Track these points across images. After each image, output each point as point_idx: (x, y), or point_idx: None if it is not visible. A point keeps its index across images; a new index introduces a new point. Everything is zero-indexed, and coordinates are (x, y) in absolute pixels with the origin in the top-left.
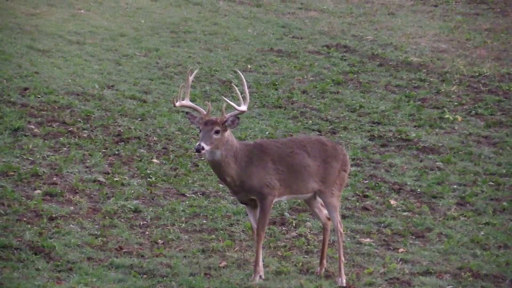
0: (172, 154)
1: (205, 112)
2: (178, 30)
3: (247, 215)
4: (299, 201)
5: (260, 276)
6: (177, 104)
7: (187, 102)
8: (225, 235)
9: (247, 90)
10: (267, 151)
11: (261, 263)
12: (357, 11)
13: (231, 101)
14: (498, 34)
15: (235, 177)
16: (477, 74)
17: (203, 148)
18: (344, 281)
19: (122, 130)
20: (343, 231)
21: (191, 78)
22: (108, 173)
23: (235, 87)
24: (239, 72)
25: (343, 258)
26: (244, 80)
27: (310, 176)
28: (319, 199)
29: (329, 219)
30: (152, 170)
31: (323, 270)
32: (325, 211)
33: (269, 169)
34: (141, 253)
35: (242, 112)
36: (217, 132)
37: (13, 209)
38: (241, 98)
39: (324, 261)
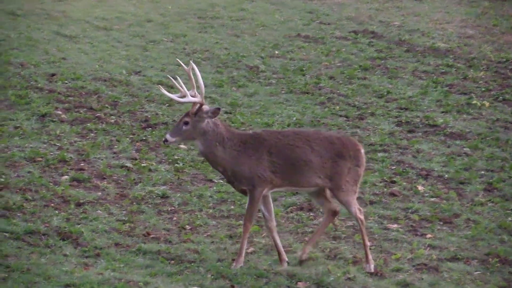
0: None
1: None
2: (205, 15)
3: (275, 200)
4: None
5: (288, 262)
6: (184, 100)
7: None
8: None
9: (201, 81)
10: (264, 142)
11: (243, 254)
12: None
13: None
14: None
15: (226, 166)
16: (504, 59)
17: (166, 140)
18: (372, 266)
19: (149, 116)
20: (371, 216)
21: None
22: (136, 159)
23: (178, 78)
24: (192, 64)
25: (368, 243)
26: (198, 71)
27: (313, 172)
28: (324, 195)
29: (334, 213)
30: (179, 156)
31: (304, 256)
32: (330, 205)
33: (263, 161)
34: (169, 239)
35: (182, 102)
36: (185, 123)
37: (40, 195)
38: (185, 90)
39: (307, 248)
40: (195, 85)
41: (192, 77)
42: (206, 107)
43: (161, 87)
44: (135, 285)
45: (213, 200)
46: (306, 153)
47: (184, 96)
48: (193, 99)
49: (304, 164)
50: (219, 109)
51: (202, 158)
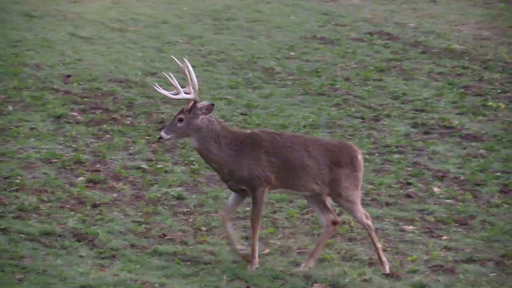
0: None
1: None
2: (220, 17)
3: (290, 202)
4: None
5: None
6: (178, 97)
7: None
8: (268, 222)
9: (195, 78)
10: (262, 143)
11: (257, 255)
12: None
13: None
14: None
15: (221, 163)
16: None
17: (161, 137)
18: (387, 267)
19: (165, 117)
20: (387, 218)
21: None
22: (151, 160)
23: (172, 75)
24: (186, 61)
25: (379, 246)
26: (191, 68)
27: (310, 176)
28: (323, 204)
29: (334, 223)
30: (195, 157)
31: (308, 267)
32: (330, 215)
33: (261, 161)
34: (185, 240)
35: (176, 99)
36: (180, 120)
37: (56, 196)
38: (178, 86)
39: (312, 261)
40: (189, 82)
41: (187, 74)
42: (200, 104)
43: (156, 84)
44: (151, 287)
45: None
46: (303, 157)
47: (178, 93)
48: (187, 96)
49: (301, 167)
50: (213, 104)
51: None
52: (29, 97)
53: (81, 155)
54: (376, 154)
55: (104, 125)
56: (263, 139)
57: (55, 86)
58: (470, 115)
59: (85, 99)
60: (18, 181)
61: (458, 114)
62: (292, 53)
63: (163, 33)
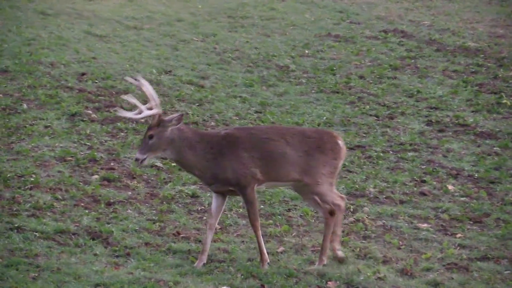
0: None
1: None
2: (235, 15)
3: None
4: (357, 186)
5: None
6: (142, 115)
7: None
8: (283, 220)
9: (154, 92)
10: (238, 141)
11: (265, 252)
12: None
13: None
14: None
15: (202, 169)
16: None
17: (137, 159)
18: (325, 260)
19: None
20: (401, 216)
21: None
22: (166, 158)
23: (131, 95)
24: (140, 79)
25: (339, 233)
26: (147, 84)
27: (290, 165)
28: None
29: (331, 213)
30: None
31: (322, 265)
32: (326, 206)
33: (243, 159)
34: (199, 238)
35: (141, 118)
36: (150, 137)
37: (70, 194)
38: (140, 105)
39: (323, 257)
40: (149, 98)
41: (145, 90)
42: (168, 117)
43: (119, 109)
44: (165, 285)
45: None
46: (282, 145)
47: (141, 112)
48: (150, 112)
49: (281, 156)
50: (182, 115)
51: None
52: (44, 95)
53: (95, 153)
54: (391, 152)
55: (119, 123)
56: (239, 137)
57: (69, 84)
58: (485, 112)
59: (99, 97)
60: (32, 179)
61: (472, 112)
62: (307, 51)
63: (178, 31)
